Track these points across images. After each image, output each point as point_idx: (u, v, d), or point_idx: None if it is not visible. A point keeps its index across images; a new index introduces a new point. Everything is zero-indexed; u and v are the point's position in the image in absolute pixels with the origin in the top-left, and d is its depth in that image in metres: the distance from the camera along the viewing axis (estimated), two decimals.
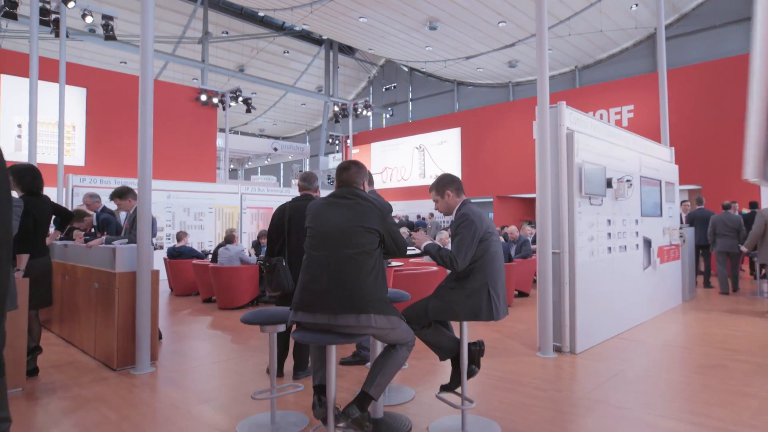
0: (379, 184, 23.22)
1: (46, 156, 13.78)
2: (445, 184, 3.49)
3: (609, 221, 5.78)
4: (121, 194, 5.76)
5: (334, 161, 27.31)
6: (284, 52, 29.80)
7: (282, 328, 3.48)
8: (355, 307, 2.68)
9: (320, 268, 2.80)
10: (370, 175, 4.80)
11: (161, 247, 12.00)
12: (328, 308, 2.71)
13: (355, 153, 24.77)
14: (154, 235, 6.87)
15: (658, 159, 7.34)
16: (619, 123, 17.29)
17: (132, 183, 12.33)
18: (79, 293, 5.69)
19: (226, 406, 3.92)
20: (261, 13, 24.41)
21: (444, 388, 3.49)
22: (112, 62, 26.21)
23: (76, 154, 14.91)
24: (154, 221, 5.79)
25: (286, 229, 4.41)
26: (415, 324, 3.33)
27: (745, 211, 10.38)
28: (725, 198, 11.28)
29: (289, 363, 4.79)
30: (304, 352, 4.57)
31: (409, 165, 21.56)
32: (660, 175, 7.23)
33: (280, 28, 27.87)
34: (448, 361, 3.50)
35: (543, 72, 5.48)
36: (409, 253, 3.50)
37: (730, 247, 9.01)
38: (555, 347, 5.26)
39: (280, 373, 4.67)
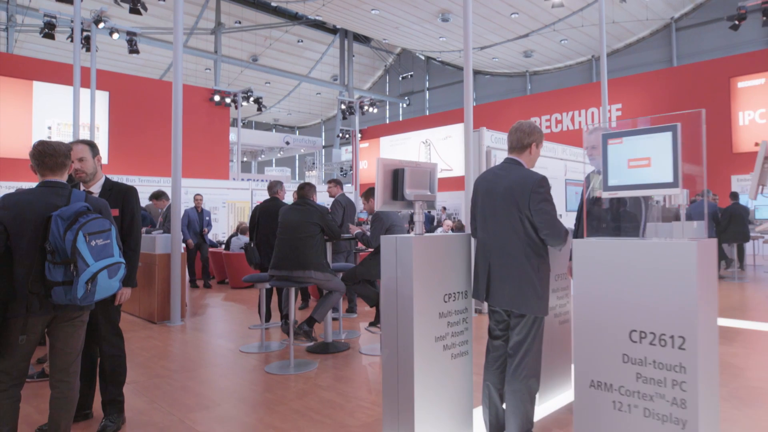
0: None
1: None
2: (371, 195, 6.06)
3: None
4: (157, 196, 8.50)
5: (346, 153, 29.95)
6: (298, 41, 32.42)
7: (267, 285, 6.09)
8: (302, 266, 5.28)
9: (284, 245, 5.41)
10: (339, 182, 7.48)
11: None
12: (288, 266, 5.31)
13: (365, 147, 27.36)
14: (209, 227, 9.83)
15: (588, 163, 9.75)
16: (609, 120, 19.55)
17: (152, 180, 15.13)
18: None
19: (233, 339, 6.57)
20: (274, 3, 26.99)
21: (371, 324, 6.07)
22: (122, 52, 29.08)
23: (100, 153, 17.83)
24: (209, 215, 8.75)
25: (257, 222, 7.05)
26: (349, 281, 5.92)
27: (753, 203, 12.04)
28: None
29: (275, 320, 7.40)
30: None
31: (416, 159, 24.06)
32: None
33: (294, 17, 30.36)
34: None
35: (468, 102, 7.88)
36: (345, 236, 6.08)
37: None
38: (476, 310, 7.77)
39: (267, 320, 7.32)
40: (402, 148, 25.45)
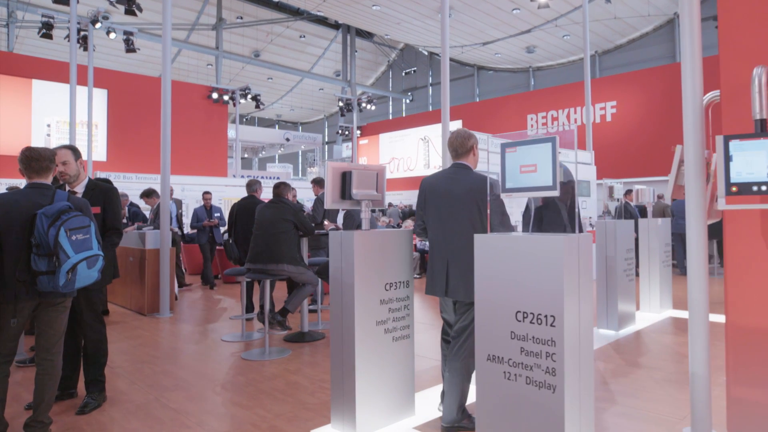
0: (386, 173, 26.30)
1: None
2: None
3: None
4: (148, 194, 9.05)
5: (347, 150, 30.49)
6: (300, 37, 32.84)
7: (248, 279, 6.61)
8: (276, 260, 5.80)
9: (259, 240, 5.92)
10: (321, 182, 7.98)
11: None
12: (263, 260, 5.83)
13: (364, 144, 27.89)
14: (221, 220, 10.26)
15: (568, 162, 10.20)
16: (603, 118, 19.96)
17: (149, 178, 15.69)
18: (118, 265, 8.92)
19: (217, 330, 7.11)
20: None
21: None
22: (122, 49, 29.57)
23: (98, 150, 18.43)
24: (219, 211, 9.38)
25: (234, 219, 7.57)
26: (324, 274, 6.44)
27: None
28: None
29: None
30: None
31: (414, 155, 24.58)
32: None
33: (296, 13, 30.77)
34: None
35: (445, 107, 8.37)
36: (319, 232, 6.59)
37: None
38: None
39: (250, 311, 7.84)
40: (401, 144, 25.95)
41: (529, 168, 2.88)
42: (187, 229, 12.36)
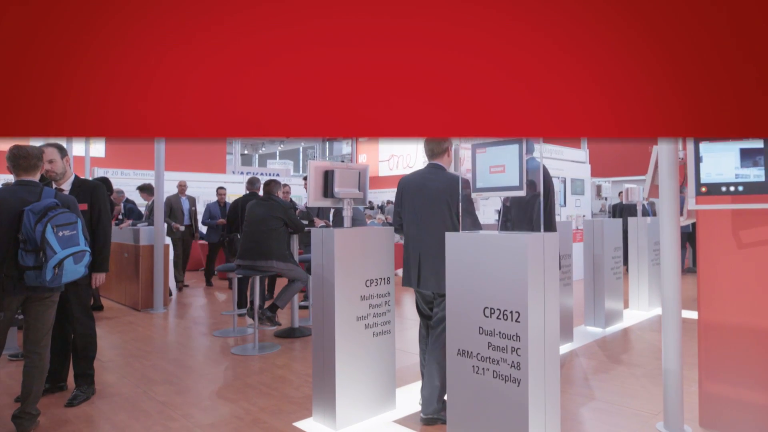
0: (385, 171, 26.38)
1: (74, 149, 17.43)
2: None
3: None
4: (143, 189, 9.19)
5: (346, 147, 30.61)
6: None
7: (238, 275, 6.73)
8: (265, 256, 5.91)
9: (250, 236, 6.04)
10: None
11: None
12: (252, 257, 5.95)
13: (363, 140, 28.00)
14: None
15: (563, 160, 10.32)
16: None
17: (148, 174, 15.79)
18: (112, 261, 9.04)
19: (208, 326, 7.23)
20: None
21: None
22: None
23: (97, 146, 18.55)
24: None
25: (239, 215, 7.69)
26: None
27: None
28: None
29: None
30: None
31: (414, 153, 24.65)
32: (563, 173, 10.18)
33: None
34: None
35: None
36: (309, 229, 6.71)
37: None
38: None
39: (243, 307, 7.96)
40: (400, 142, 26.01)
41: (498, 168, 2.98)
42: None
